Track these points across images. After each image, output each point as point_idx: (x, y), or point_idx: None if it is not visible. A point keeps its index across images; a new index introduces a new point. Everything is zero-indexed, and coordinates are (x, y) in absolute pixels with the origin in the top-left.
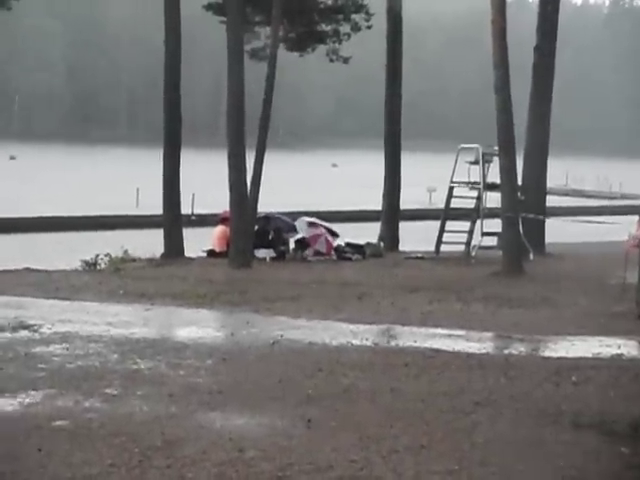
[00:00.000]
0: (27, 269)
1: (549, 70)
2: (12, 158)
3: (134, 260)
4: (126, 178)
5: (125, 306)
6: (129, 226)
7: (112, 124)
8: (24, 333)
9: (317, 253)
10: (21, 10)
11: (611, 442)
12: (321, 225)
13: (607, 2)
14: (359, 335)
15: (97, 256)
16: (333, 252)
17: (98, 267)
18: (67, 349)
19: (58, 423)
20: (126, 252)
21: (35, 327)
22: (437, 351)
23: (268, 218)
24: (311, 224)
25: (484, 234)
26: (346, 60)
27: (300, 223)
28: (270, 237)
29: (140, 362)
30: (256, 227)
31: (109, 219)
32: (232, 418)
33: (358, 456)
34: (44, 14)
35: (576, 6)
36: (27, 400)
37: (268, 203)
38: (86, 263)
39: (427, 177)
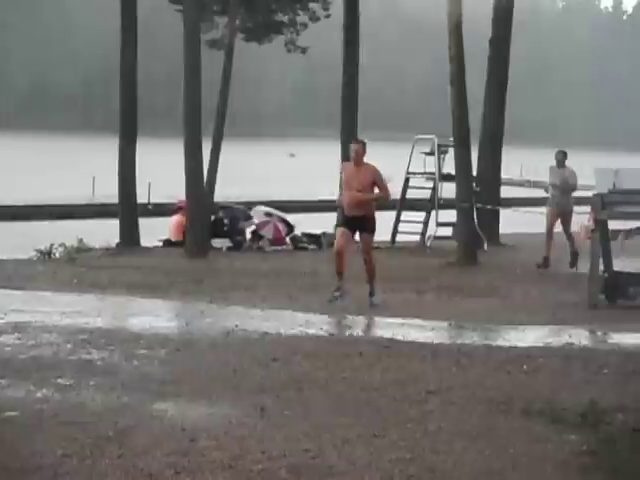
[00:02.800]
0: None
1: (504, 62)
2: None
3: (89, 250)
4: (83, 167)
5: (79, 296)
6: (85, 215)
7: (69, 112)
8: None
9: (273, 242)
10: None
11: (560, 430)
12: (276, 215)
13: None
14: (314, 325)
15: (52, 245)
16: (289, 241)
17: (53, 256)
18: (19, 339)
19: (8, 414)
20: (81, 241)
21: None
22: (391, 340)
23: (224, 207)
24: (267, 214)
25: (439, 224)
26: (304, 50)
27: (256, 212)
28: (226, 227)
29: (93, 352)
30: (212, 216)
31: (65, 208)
32: (185, 408)
33: (310, 445)
34: None
35: None
36: None
37: (225, 192)
38: (40, 252)
39: (384, 167)
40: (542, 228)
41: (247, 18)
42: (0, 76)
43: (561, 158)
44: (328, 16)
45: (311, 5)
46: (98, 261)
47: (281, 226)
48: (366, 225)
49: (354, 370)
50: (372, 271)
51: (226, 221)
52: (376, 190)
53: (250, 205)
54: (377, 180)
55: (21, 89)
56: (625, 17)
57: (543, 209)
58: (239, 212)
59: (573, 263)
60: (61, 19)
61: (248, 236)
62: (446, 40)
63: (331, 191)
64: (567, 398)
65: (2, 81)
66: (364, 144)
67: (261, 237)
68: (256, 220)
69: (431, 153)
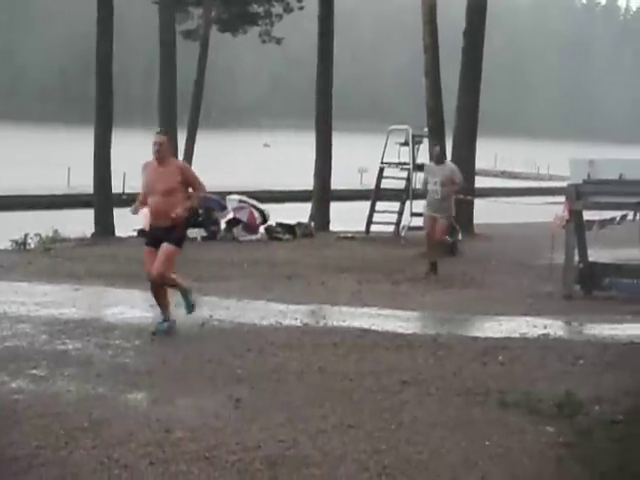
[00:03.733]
0: None
1: (478, 54)
2: None
3: (64, 240)
4: (58, 157)
5: (54, 286)
6: (60, 206)
7: (44, 102)
8: None
9: (246, 227)
10: None
11: (537, 421)
12: (250, 203)
13: None
14: (288, 315)
15: (26, 236)
16: (263, 231)
17: (28, 247)
18: None
19: None
20: (56, 232)
21: None
22: (366, 331)
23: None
24: (241, 201)
25: (413, 215)
26: (278, 41)
27: (230, 201)
28: (201, 217)
29: (68, 342)
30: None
31: (40, 198)
32: (160, 398)
33: (286, 436)
34: None
35: None
36: None
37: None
38: (15, 243)
39: (358, 158)
40: (518, 218)
41: (222, 9)
42: None
43: (439, 153)
44: (301, 8)
45: None
46: (73, 251)
47: (256, 214)
48: (171, 234)
49: (329, 360)
50: (165, 291)
51: (201, 211)
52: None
53: (224, 195)
54: (188, 177)
55: None
56: (598, 9)
57: (520, 199)
58: (214, 202)
59: (433, 272)
60: (38, 8)
61: (223, 226)
62: (421, 32)
63: (306, 181)
64: (543, 389)
65: None
66: (169, 136)
67: (238, 222)
68: (230, 208)
69: (405, 143)
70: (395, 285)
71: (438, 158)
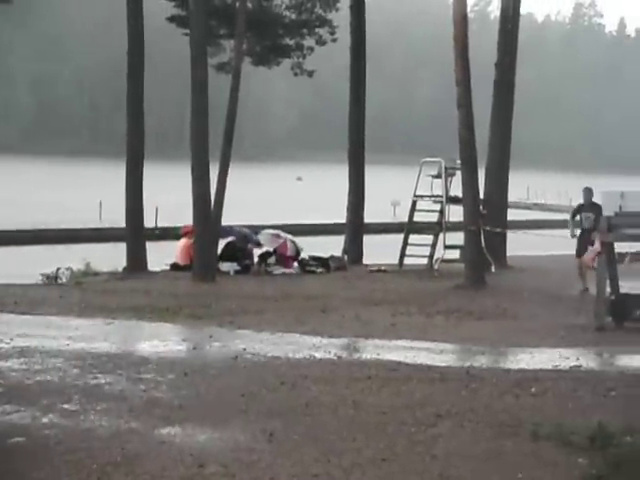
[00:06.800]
0: None
1: (510, 86)
2: None
3: (96, 274)
4: (89, 191)
5: (86, 320)
6: (92, 239)
7: (75, 136)
8: None
9: (278, 260)
10: None
11: (569, 453)
12: (285, 238)
13: (567, 19)
14: (322, 348)
15: (58, 270)
16: (296, 265)
17: (59, 281)
18: (26, 364)
19: (14, 440)
20: (88, 265)
21: None
22: (399, 364)
23: (232, 231)
24: (275, 236)
25: (446, 247)
26: (310, 74)
27: (264, 235)
28: (234, 250)
29: (100, 377)
30: (220, 240)
31: (71, 232)
32: (193, 433)
33: (320, 470)
34: (5, 25)
35: (537, 23)
36: None
37: (232, 216)
38: (46, 277)
39: (391, 190)
40: (550, 250)
41: (254, 42)
42: (5, 100)
43: None
44: (334, 40)
45: (317, 29)
46: (105, 285)
47: (289, 245)
48: None
49: (363, 394)
50: None
51: (234, 244)
52: None
53: (257, 229)
54: None
55: (27, 113)
56: (628, 41)
57: (552, 232)
58: (246, 235)
59: None
60: (68, 42)
61: (255, 260)
62: (453, 62)
63: (338, 214)
64: (575, 421)
65: (8, 106)
66: None
67: (270, 255)
68: (263, 241)
69: (438, 176)
70: (428, 317)
71: None
